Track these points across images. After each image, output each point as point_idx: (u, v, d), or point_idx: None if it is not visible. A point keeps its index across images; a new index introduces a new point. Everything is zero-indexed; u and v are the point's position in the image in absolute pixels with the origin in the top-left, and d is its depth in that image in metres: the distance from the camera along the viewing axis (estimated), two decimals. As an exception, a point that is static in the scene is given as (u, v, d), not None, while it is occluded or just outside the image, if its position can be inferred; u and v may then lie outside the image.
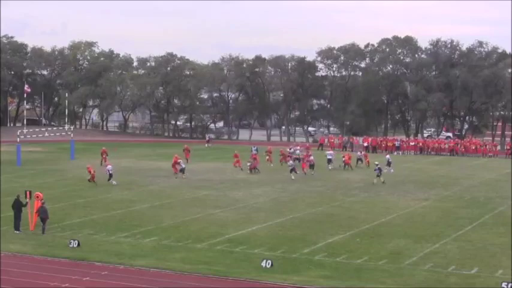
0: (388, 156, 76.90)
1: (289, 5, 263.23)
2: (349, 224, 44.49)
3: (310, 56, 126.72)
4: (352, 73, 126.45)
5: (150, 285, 30.85)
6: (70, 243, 37.35)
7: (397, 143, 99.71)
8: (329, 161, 76.41)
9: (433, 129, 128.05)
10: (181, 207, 50.19)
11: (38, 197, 41.14)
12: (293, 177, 65.15)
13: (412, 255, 35.90)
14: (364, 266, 33.98)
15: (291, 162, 70.02)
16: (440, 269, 33.35)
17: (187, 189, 58.34)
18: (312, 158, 72.12)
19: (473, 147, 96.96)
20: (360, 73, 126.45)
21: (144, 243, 38.42)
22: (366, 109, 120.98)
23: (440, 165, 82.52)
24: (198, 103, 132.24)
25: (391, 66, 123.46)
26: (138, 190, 57.45)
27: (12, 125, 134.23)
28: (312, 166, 70.52)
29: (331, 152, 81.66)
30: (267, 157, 77.91)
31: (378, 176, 64.13)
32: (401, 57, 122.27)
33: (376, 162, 66.61)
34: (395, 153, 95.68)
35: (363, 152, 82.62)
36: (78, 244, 37.15)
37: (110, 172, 60.25)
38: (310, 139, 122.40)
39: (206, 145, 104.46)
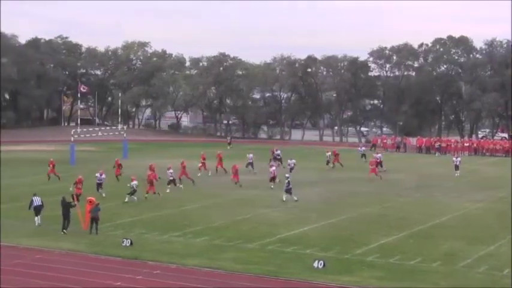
0: (455, 159, 73.82)
1: (341, 5, 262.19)
2: (401, 224, 44.03)
3: (363, 56, 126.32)
4: (405, 73, 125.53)
5: (202, 284, 30.82)
6: (123, 242, 37.51)
7: (437, 145, 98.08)
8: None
9: (488, 130, 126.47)
10: (231, 207, 50.14)
11: (91, 202, 41.31)
12: (272, 186, 59.30)
13: (467, 257, 35.36)
14: (418, 267, 33.58)
15: (273, 168, 62.26)
16: (495, 272, 32.78)
17: (236, 190, 58.26)
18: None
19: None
20: (414, 73, 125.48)
21: (195, 243, 38.43)
22: (419, 109, 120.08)
23: (495, 166, 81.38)
24: (250, 103, 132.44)
25: (445, 66, 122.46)
26: (188, 190, 57.47)
27: (66, 124, 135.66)
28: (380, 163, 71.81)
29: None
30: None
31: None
32: (456, 57, 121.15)
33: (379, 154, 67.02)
34: (436, 153, 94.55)
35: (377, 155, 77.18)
36: (131, 243, 37.30)
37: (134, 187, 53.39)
38: (363, 139, 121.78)
39: (228, 147, 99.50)
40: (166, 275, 32.02)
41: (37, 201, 43.23)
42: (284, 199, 51.88)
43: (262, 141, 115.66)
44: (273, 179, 59.51)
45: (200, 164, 67.60)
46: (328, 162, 75.56)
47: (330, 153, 76.95)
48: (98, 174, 55.21)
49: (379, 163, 72.47)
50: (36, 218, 42.84)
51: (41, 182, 60.36)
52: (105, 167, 61.42)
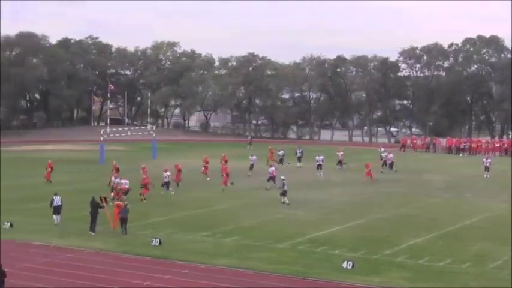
0: (485, 160, 73.06)
1: (370, 5, 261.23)
2: (431, 225, 43.80)
3: (393, 56, 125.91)
4: (435, 73, 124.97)
5: (231, 284, 30.86)
6: (152, 241, 37.66)
7: (462, 145, 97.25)
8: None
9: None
10: (260, 207, 50.12)
11: (118, 206, 41.51)
12: (268, 187, 58.28)
13: (497, 259, 35.13)
14: (447, 268, 33.42)
15: (272, 169, 60.70)
16: (526, 273, 32.56)
17: (264, 190, 58.21)
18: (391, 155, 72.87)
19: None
20: (444, 73, 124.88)
21: (225, 243, 38.49)
22: (450, 109, 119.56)
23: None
24: (279, 103, 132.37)
25: (475, 66, 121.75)
26: (216, 190, 57.51)
27: (96, 124, 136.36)
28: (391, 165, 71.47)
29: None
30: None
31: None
32: (486, 57, 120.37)
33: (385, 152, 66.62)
34: (460, 154, 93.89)
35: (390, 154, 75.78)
36: (160, 242, 37.43)
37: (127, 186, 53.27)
38: (392, 139, 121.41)
39: (248, 147, 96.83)
40: (195, 275, 32.09)
41: (57, 200, 43.75)
42: (282, 201, 51.45)
43: (291, 141, 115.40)
44: (271, 178, 58.63)
45: (203, 168, 65.87)
46: (339, 162, 74.45)
47: (341, 153, 76.00)
48: (163, 173, 56.50)
49: (390, 164, 72.50)
50: (54, 217, 43.36)
51: (70, 181, 60.73)
52: (136, 165, 61.68)
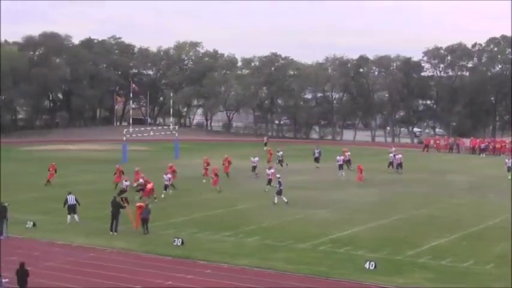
0: (508, 160, 72.45)
1: (394, 5, 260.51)
2: (454, 226, 43.56)
3: (416, 56, 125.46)
4: (459, 73, 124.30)
5: (253, 284, 30.82)
6: (174, 241, 37.68)
7: (483, 145, 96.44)
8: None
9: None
10: (283, 207, 49.98)
11: (140, 207, 41.58)
12: (266, 190, 56.45)
13: (521, 260, 34.87)
14: (470, 269, 33.22)
15: (271, 170, 59.05)
16: (550, 274, 32.29)
17: (287, 190, 57.95)
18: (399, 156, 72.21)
19: None
20: (467, 73, 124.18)
21: (247, 243, 38.46)
22: (473, 110, 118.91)
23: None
24: (301, 103, 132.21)
25: (499, 66, 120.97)
26: (239, 190, 57.51)
27: (118, 124, 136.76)
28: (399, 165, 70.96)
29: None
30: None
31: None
32: (511, 57, 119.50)
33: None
34: (482, 154, 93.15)
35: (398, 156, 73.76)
36: (182, 242, 37.45)
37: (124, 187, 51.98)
38: (415, 140, 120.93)
39: (265, 148, 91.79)
40: (217, 275, 32.08)
41: (71, 199, 43.96)
42: (276, 201, 51.14)
43: (313, 142, 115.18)
44: (270, 181, 57.41)
45: (204, 170, 64.18)
46: (348, 162, 73.36)
47: (348, 153, 75.25)
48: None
49: (398, 164, 71.56)
50: (69, 217, 43.53)
51: (93, 180, 60.92)
52: (157, 166, 61.78)
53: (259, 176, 64.17)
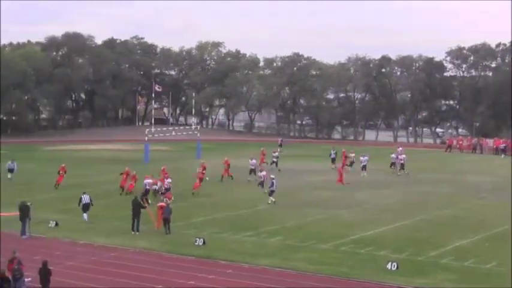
0: None
1: (417, 5, 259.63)
2: (477, 227, 43.33)
3: (438, 56, 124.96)
4: (482, 73, 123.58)
5: (275, 284, 30.78)
6: (196, 241, 37.70)
7: (502, 146, 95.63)
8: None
9: None
10: (305, 207, 49.94)
11: (162, 207, 41.66)
12: (265, 191, 54.59)
13: (544, 261, 34.59)
14: (493, 271, 33.01)
15: (263, 173, 58.05)
16: None
17: (310, 190, 58.09)
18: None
19: None
20: (491, 73, 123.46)
21: (268, 243, 38.42)
22: (497, 110, 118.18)
23: None
24: (324, 103, 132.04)
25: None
26: (258, 190, 57.30)
27: (140, 124, 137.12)
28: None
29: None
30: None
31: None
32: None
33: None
34: (502, 155, 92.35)
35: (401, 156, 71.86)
36: (204, 242, 37.46)
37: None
38: (438, 140, 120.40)
39: (279, 149, 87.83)
40: (239, 275, 32.06)
41: (86, 199, 44.54)
42: (270, 201, 51.23)
43: (335, 142, 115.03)
44: (261, 184, 56.63)
45: (224, 171, 63.55)
46: (351, 164, 72.32)
47: (353, 154, 74.15)
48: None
49: (401, 164, 70.06)
50: (84, 215, 43.99)
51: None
52: (179, 166, 61.83)
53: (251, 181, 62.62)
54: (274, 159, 72.08)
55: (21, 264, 27.87)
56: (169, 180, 53.14)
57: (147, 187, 51.51)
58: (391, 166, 72.03)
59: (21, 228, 39.96)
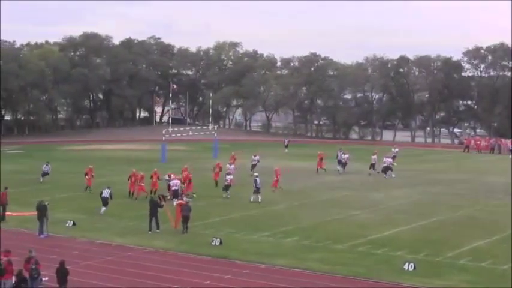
0: None
1: (435, 5, 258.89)
2: (494, 228, 43.17)
3: (457, 56, 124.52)
4: (500, 73, 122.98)
5: (290, 285, 30.78)
6: (212, 241, 37.74)
7: (510, 146, 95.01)
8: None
9: None
10: (321, 207, 49.95)
11: (181, 205, 41.81)
12: (224, 195, 53.87)
13: (562, 262, 34.43)
14: (510, 272, 32.82)
15: (230, 177, 55.05)
16: None
17: (325, 190, 58.01)
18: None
19: None
20: (509, 73, 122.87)
21: (284, 243, 38.42)
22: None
23: None
24: (341, 103, 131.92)
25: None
26: (277, 190, 57.31)
27: (157, 124, 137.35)
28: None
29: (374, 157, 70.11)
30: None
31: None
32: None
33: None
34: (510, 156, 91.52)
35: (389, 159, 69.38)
36: (220, 242, 37.50)
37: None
38: (456, 140, 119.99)
39: (286, 150, 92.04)
40: (255, 275, 32.07)
41: (106, 193, 45.68)
42: (252, 200, 51.27)
43: (352, 142, 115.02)
44: (227, 187, 54.05)
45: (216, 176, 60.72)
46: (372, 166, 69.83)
47: (347, 155, 71.26)
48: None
49: (388, 167, 67.20)
50: (103, 208, 45.31)
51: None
52: (196, 166, 61.92)
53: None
54: (254, 163, 69.31)
55: (38, 264, 27.97)
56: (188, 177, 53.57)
57: (175, 188, 50.03)
58: (370, 168, 69.17)
59: (38, 227, 40.14)
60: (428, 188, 60.81)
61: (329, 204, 51.03)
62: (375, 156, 70.25)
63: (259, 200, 51.12)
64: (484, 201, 53.99)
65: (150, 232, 40.61)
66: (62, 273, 27.93)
